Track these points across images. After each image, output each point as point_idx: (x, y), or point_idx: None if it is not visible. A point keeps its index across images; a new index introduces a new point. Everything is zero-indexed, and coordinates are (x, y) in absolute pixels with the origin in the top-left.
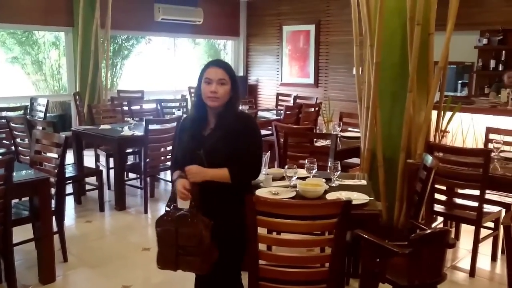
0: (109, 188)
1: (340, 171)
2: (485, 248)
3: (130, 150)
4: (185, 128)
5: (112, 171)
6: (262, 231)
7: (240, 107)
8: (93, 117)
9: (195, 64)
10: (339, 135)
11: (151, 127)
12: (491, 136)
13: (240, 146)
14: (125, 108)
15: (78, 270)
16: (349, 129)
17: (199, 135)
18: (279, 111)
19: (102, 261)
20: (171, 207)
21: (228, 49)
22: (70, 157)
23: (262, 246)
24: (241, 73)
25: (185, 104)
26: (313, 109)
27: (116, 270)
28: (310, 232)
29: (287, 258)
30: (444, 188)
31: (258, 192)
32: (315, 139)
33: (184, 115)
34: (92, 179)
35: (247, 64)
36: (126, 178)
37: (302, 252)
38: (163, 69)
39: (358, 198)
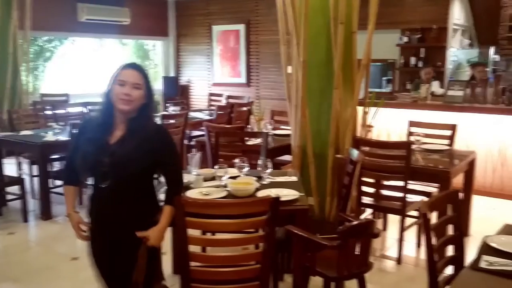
0: (33, 197)
1: (271, 169)
2: (411, 236)
3: (56, 156)
4: (86, 132)
5: (36, 179)
6: (197, 232)
7: (172, 108)
8: (13, 123)
9: None
10: (270, 133)
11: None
12: (413, 129)
13: (162, 159)
14: (49, 112)
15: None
16: (281, 127)
17: (103, 142)
18: (211, 111)
19: (27, 274)
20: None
21: (158, 50)
22: None
23: (196, 248)
24: (172, 74)
25: None
26: (245, 108)
27: (43, 283)
28: (244, 231)
29: (218, 258)
30: (372, 180)
31: (189, 193)
32: (247, 138)
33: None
34: (14, 188)
35: (178, 64)
36: (51, 186)
37: (237, 251)
38: (89, 71)
39: (288, 194)
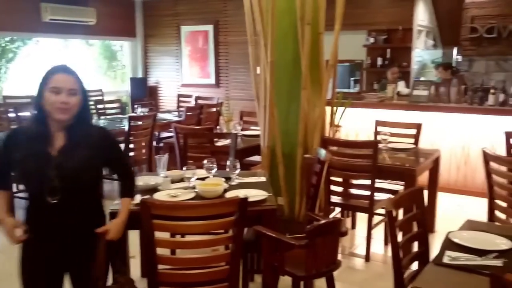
0: None
1: (239, 169)
2: (379, 233)
3: None
4: (18, 145)
5: None
6: (165, 235)
7: (140, 109)
8: None
9: (90, 66)
10: (239, 134)
11: None
12: (380, 128)
13: (113, 161)
14: (12, 115)
15: None
16: (251, 127)
17: (44, 154)
18: (180, 113)
19: None
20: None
21: (125, 50)
22: None
23: (165, 250)
24: (140, 75)
25: None
26: (214, 109)
27: None
28: (213, 232)
29: (185, 260)
30: (340, 180)
31: (156, 196)
32: (216, 139)
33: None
34: None
35: (146, 65)
36: (15, 190)
37: (206, 252)
38: None
39: (257, 194)
